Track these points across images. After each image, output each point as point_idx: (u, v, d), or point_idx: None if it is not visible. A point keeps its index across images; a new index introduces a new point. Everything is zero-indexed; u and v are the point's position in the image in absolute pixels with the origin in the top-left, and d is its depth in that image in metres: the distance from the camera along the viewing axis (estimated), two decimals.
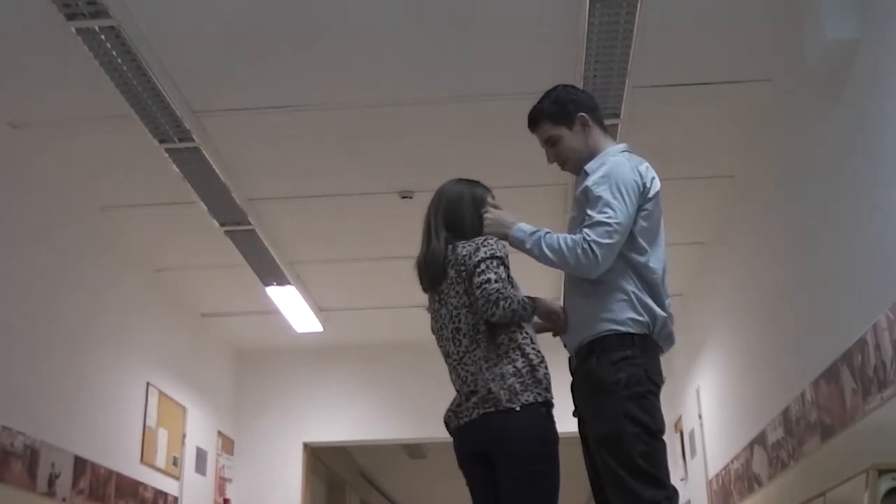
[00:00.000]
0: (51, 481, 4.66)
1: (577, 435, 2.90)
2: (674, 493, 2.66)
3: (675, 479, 2.87)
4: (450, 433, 3.01)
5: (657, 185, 2.86)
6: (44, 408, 4.70)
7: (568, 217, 3.08)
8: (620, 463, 2.64)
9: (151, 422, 6.02)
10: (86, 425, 5.14)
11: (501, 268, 2.88)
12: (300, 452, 7.75)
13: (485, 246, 2.91)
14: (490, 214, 2.99)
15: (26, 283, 4.63)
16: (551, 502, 2.80)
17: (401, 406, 7.74)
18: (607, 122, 3.42)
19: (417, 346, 6.82)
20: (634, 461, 2.63)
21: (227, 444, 7.56)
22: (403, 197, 5.23)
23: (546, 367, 2.88)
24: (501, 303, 2.81)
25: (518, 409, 2.79)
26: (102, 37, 3.66)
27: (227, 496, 7.45)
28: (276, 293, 6.42)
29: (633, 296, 2.75)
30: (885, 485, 2.84)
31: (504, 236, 2.92)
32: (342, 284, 6.59)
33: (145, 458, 5.88)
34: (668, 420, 4.20)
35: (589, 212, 2.76)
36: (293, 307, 6.71)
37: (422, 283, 3.11)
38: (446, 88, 4.29)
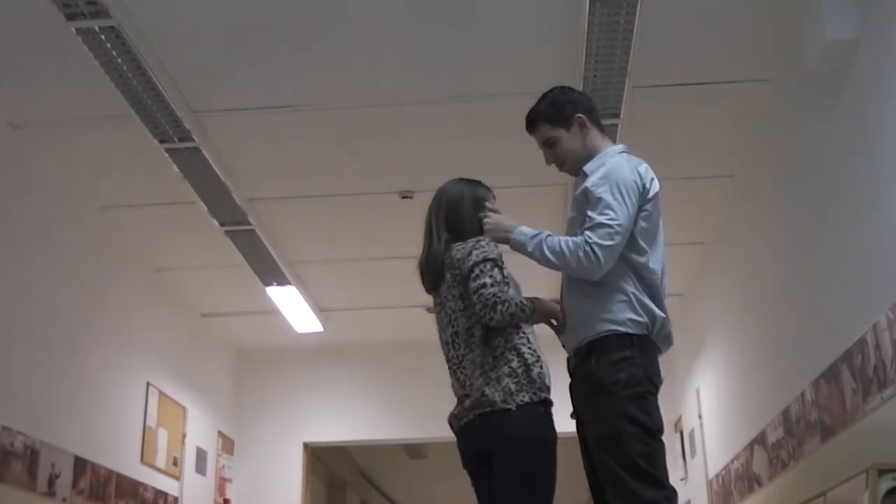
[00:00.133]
0: (51, 481, 4.66)
1: (576, 435, 2.90)
2: (673, 494, 2.67)
3: (674, 479, 2.87)
4: (454, 434, 3.02)
5: (657, 186, 2.87)
6: (44, 408, 4.70)
7: (567, 217, 3.08)
8: (620, 463, 2.64)
9: (151, 422, 6.02)
10: (86, 425, 5.13)
11: (496, 270, 2.88)
12: (300, 452, 7.74)
13: (476, 249, 2.90)
14: (490, 219, 2.98)
15: (26, 283, 4.63)
16: (547, 502, 2.80)
17: (401, 406, 7.73)
18: (607, 122, 3.43)
19: (417, 346, 6.86)
20: (634, 461, 2.63)
21: (227, 444, 7.56)
22: (403, 197, 5.23)
23: (541, 367, 2.87)
24: (499, 307, 2.80)
25: (513, 409, 2.79)
26: (102, 37, 3.66)
27: (227, 496, 7.45)
28: (276, 293, 6.42)
29: (632, 296, 2.76)
30: (885, 485, 2.84)
31: (505, 240, 2.92)
32: (342, 284, 6.59)
33: (145, 458, 5.88)
34: (668, 420, 4.20)
35: (590, 213, 2.76)
36: (293, 307, 6.71)
37: (424, 284, 3.11)
38: (446, 88, 4.29)
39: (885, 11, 3.16)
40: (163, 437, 6.19)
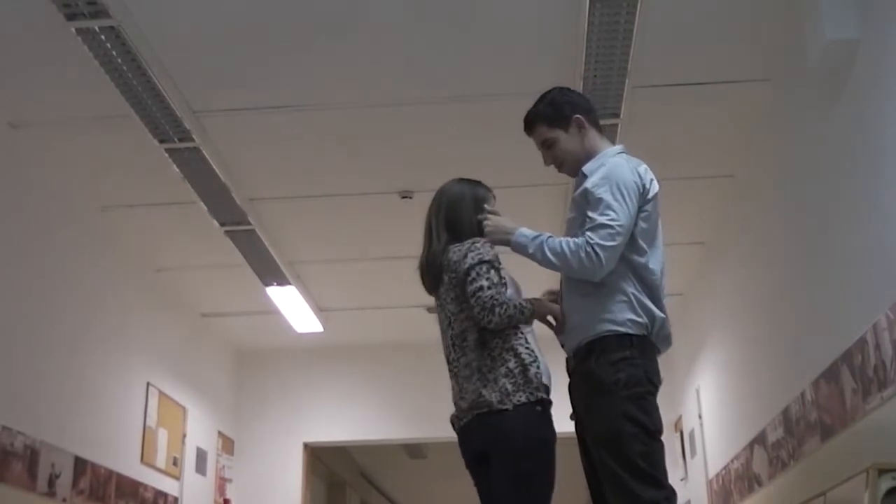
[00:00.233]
0: (51, 481, 4.66)
1: (575, 435, 2.90)
2: (672, 494, 2.67)
3: (674, 479, 2.87)
4: (456, 434, 3.02)
5: (656, 187, 2.87)
6: (44, 408, 4.70)
7: (566, 218, 3.08)
8: (619, 463, 2.64)
9: (151, 422, 6.02)
10: (86, 425, 5.13)
11: (492, 272, 2.87)
12: (300, 452, 7.74)
13: (472, 251, 2.90)
14: (490, 221, 2.98)
15: (26, 283, 4.63)
16: (544, 502, 2.79)
17: (401, 406, 7.73)
18: (607, 122, 3.43)
19: (417, 346, 6.86)
20: (633, 461, 2.63)
21: (227, 445, 7.56)
22: (403, 197, 5.23)
23: (539, 367, 2.86)
24: (497, 309, 2.80)
25: (510, 409, 2.79)
26: (102, 37, 3.66)
27: (227, 496, 7.45)
28: (276, 293, 6.42)
29: (632, 297, 2.76)
30: (885, 485, 2.84)
31: (506, 242, 2.92)
32: (342, 284, 6.59)
33: (145, 459, 5.88)
34: (668, 420, 4.21)
35: (590, 214, 2.76)
36: (293, 307, 6.71)
37: (424, 285, 3.10)
38: (446, 88, 4.29)
39: (885, 11, 3.16)
40: (163, 437, 6.19)
